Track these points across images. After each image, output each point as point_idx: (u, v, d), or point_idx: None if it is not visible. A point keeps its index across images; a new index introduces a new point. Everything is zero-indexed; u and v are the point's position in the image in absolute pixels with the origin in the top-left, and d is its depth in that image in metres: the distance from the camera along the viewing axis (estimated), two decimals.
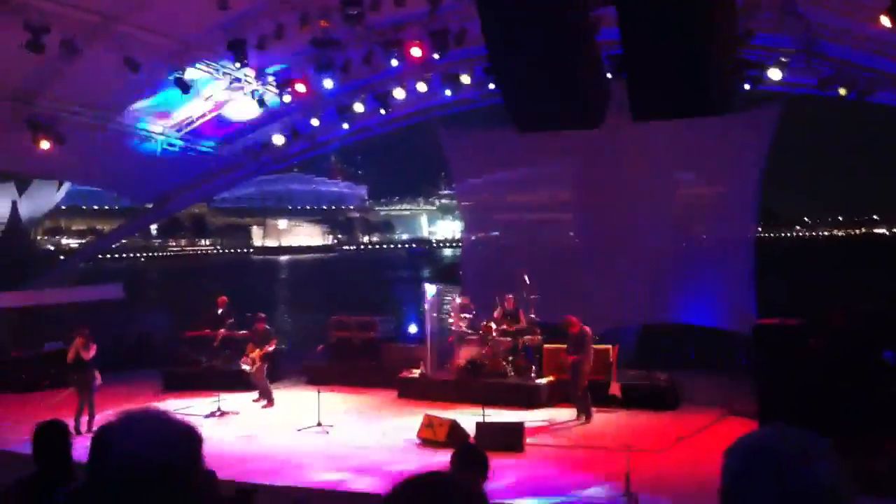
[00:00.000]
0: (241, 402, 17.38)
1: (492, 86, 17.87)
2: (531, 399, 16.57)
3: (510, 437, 13.47)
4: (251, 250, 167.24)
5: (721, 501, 1.70)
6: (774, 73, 17.34)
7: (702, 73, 9.66)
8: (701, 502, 10.64)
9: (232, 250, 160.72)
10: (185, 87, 17.42)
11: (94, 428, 14.64)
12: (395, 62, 17.85)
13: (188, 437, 2.06)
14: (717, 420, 15.03)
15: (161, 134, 20.51)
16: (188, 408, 16.21)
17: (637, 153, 19.58)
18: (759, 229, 22.49)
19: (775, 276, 21.08)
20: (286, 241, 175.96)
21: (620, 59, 11.76)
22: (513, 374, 17.32)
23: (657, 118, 13.10)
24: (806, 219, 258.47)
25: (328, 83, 18.46)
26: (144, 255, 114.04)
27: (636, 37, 10.05)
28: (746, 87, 17.62)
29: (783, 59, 17.28)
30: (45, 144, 17.40)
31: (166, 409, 2.15)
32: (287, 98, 19.27)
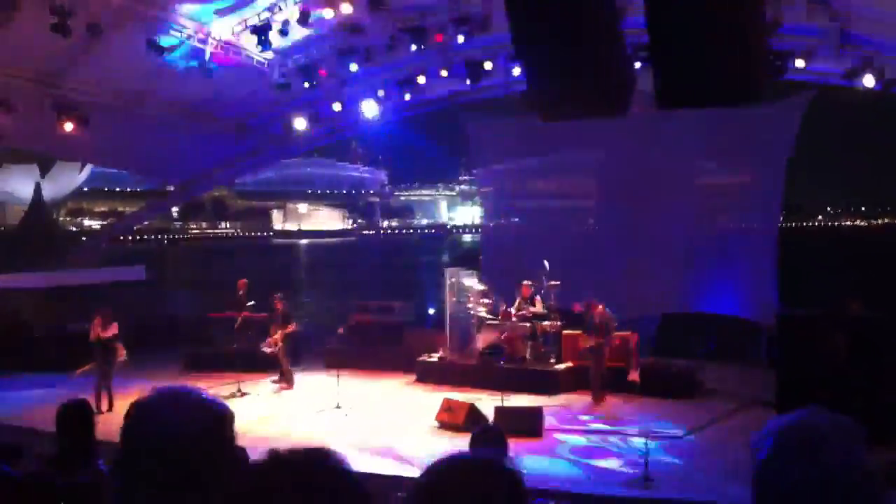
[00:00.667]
0: (261, 383, 17.54)
1: (516, 72, 17.83)
2: (550, 385, 16.61)
3: (529, 422, 13.52)
4: (271, 234, 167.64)
5: (756, 484, 1.72)
6: (801, 63, 17.22)
7: (731, 61, 9.61)
8: (718, 489, 10.68)
9: (252, 233, 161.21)
10: (208, 72, 17.49)
11: (114, 408, 14.83)
12: (416, 48, 17.86)
13: (219, 414, 2.11)
14: (737, 409, 15.02)
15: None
16: (209, 389, 16.36)
17: (661, 142, 19.51)
18: (782, 219, 22.32)
19: (797, 266, 20.96)
20: (306, 225, 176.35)
21: (645, 47, 11.71)
22: (532, 359, 17.37)
23: (682, 107, 13.05)
24: (829, 209, 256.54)
25: (351, 68, 18.48)
26: (168, 237, 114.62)
27: (662, 24, 10.02)
28: (774, 76, 17.49)
29: (810, 49, 17.13)
30: (68, 126, 17.52)
31: (197, 387, 2.20)
32: (308, 84, 19.30)
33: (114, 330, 15.38)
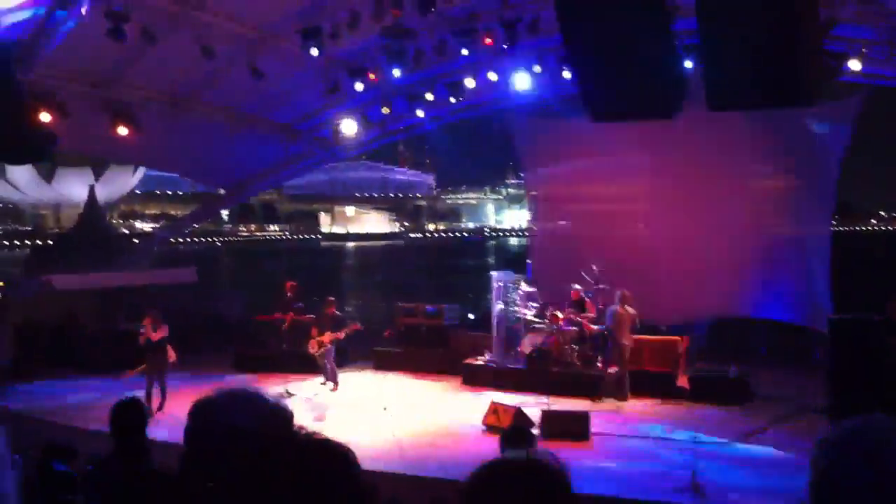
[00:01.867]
0: (308, 385, 17.67)
1: (565, 75, 17.76)
2: (597, 389, 16.51)
3: (576, 427, 13.46)
4: (320, 236, 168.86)
5: (813, 493, 1.69)
6: (855, 65, 16.93)
7: (784, 61, 9.46)
8: (768, 496, 10.53)
9: (301, 236, 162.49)
10: (259, 75, 17.66)
11: (164, 409, 15.03)
12: (466, 51, 17.87)
13: (280, 412, 2.14)
14: (788, 415, 14.80)
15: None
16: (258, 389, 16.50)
17: (712, 144, 19.32)
18: (835, 221, 21.98)
19: (851, 270, 20.61)
20: (354, 228, 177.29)
21: (697, 48, 11.59)
22: (579, 363, 17.29)
23: (733, 109, 12.90)
24: (882, 212, 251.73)
25: (399, 72, 18.54)
26: (220, 239, 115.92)
27: (714, 24, 9.91)
28: (828, 77, 17.21)
29: (864, 50, 16.84)
30: (122, 130, 17.80)
31: (259, 388, 2.23)
32: (359, 86, 19.39)
33: (164, 332, 15.55)
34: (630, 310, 16.34)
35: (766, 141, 19.07)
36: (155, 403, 15.06)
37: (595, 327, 17.27)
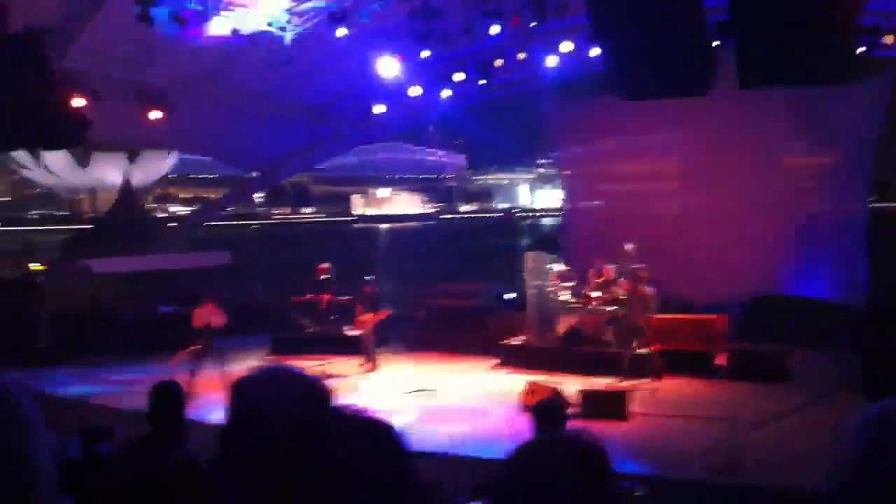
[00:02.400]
0: (346, 366, 17.75)
1: (593, 52, 17.62)
2: (633, 368, 16.43)
3: (613, 406, 13.43)
4: (352, 218, 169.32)
5: (850, 471, 1.67)
6: (889, 39, 16.64)
7: (817, 37, 9.34)
8: (807, 474, 10.45)
9: (333, 218, 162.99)
10: (289, 60, 17.68)
11: (202, 391, 15.18)
12: (496, 29, 17.78)
13: (319, 390, 2.14)
14: (825, 394, 14.65)
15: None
16: None
17: (745, 122, 19.13)
18: (871, 200, 21.69)
19: (889, 248, 20.34)
20: (386, 210, 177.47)
21: (728, 25, 11.45)
22: (615, 342, 17.21)
23: (766, 86, 12.75)
24: None
25: (427, 53, 18.47)
26: (252, 222, 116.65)
27: (747, 1, 9.79)
28: (861, 52, 16.94)
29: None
30: (155, 114, 17.90)
31: (298, 366, 2.24)
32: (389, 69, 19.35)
33: (221, 319, 15.66)
34: (647, 289, 16.21)
35: (800, 117, 18.87)
36: (194, 387, 15.17)
37: (607, 308, 17.13)
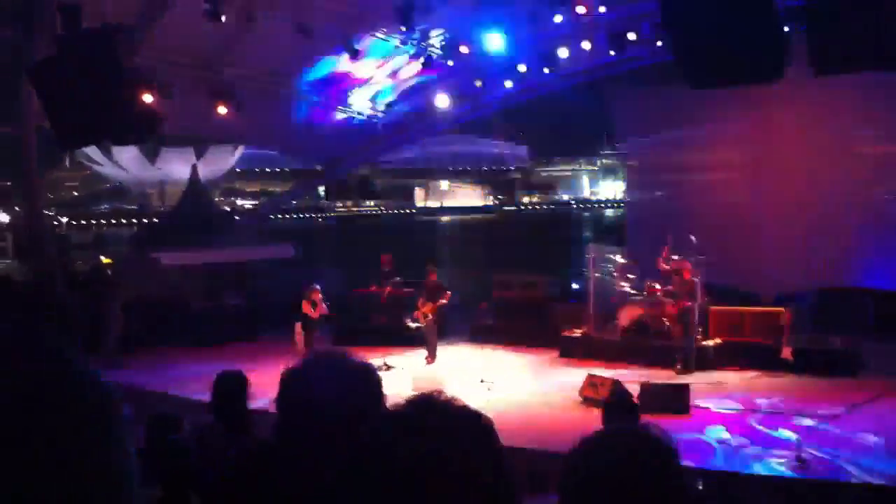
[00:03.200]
0: (406, 357, 17.84)
1: (659, 42, 17.42)
2: (697, 361, 16.25)
3: (675, 400, 13.28)
4: (415, 210, 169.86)
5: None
6: None
7: (890, 22, 9.12)
8: (874, 470, 10.25)
9: (396, 211, 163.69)
10: (355, 53, 17.82)
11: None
12: (559, 19, 17.71)
13: (367, 376, 2.17)
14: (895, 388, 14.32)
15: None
16: None
17: (814, 110, 18.75)
18: None
19: None
20: (448, 202, 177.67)
21: (800, 10, 11.24)
22: (678, 334, 17.02)
23: (838, 73, 12.47)
24: None
25: (492, 43, 18.45)
26: (321, 216, 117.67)
27: None
28: None
29: None
30: (222, 110, 18.17)
31: (346, 352, 2.27)
32: (451, 61, 19.41)
33: (324, 310, 16.63)
34: (694, 280, 16.16)
35: (871, 104, 18.41)
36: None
37: (667, 300, 16.95)
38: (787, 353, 15.84)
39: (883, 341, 16.89)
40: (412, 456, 1.32)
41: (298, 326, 16.72)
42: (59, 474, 0.94)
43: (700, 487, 7.51)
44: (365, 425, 1.44)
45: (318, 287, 16.81)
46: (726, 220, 19.41)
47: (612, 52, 19.16)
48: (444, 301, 17.64)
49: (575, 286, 20.94)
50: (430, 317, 17.61)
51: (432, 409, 1.43)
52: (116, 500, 1.01)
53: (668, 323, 16.89)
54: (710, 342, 16.62)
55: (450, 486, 1.32)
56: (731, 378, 15.56)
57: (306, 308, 16.46)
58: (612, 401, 6.00)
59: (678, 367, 15.84)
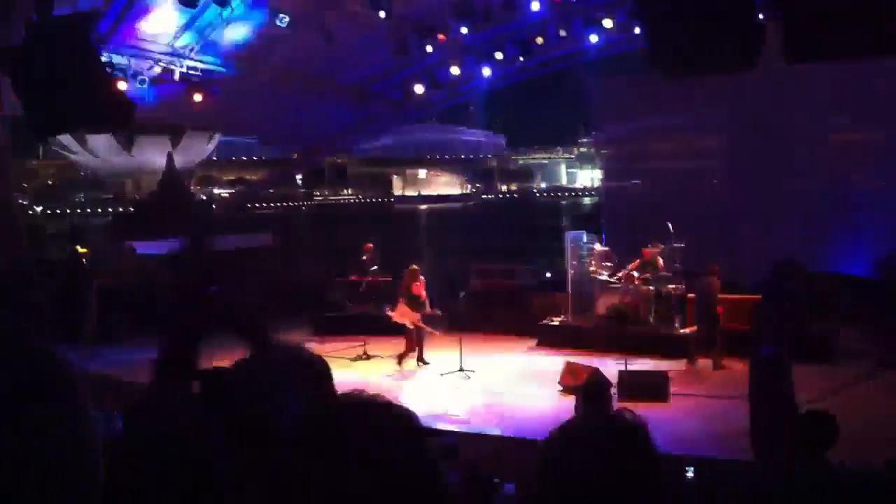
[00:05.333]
0: (386, 346, 17.79)
1: (637, 30, 17.46)
2: (675, 349, 16.34)
3: (654, 388, 13.35)
4: (392, 199, 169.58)
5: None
6: None
7: (865, 9, 9.16)
8: (852, 454, 10.33)
9: (373, 199, 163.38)
10: (330, 37, 17.73)
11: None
12: (536, 6, 17.72)
13: (317, 367, 2.13)
14: (870, 372, 14.48)
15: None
16: (337, 351, 16.73)
17: (789, 97, 18.86)
18: None
19: None
20: (425, 191, 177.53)
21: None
22: (655, 323, 17.12)
23: (812, 60, 12.53)
24: None
25: (462, 31, 18.44)
26: (301, 203, 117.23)
27: None
28: None
29: None
30: (197, 97, 18.03)
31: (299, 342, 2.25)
32: (428, 48, 19.35)
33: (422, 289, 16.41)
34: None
35: (844, 93, 18.54)
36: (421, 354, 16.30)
37: (671, 287, 17.05)
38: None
39: (855, 327, 17.05)
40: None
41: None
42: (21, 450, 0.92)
43: (690, 475, 7.55)
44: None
45: (417, 269, 16.56)
46: (702, 208, 19.52)
47: (588, 40, 19.17)
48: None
49: (553, 275, 20.98)
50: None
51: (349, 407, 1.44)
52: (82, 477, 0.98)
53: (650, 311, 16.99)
54: (688, 330, 16.70)
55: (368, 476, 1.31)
56: (708, 365, 15.64)
57: (416, 290, 16.13)
58: (589, 388, 6.00)
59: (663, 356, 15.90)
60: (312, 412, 1.47)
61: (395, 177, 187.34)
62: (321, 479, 1.31)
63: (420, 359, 16.39)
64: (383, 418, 1.41)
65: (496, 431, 12.07)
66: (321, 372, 2.13)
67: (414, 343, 16.49)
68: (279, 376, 2.05)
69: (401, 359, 16.33)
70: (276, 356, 2.14)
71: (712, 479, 9.83)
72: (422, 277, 16.62)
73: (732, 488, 6.50)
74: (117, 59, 15.90)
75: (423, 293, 16.35)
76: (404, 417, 1.43)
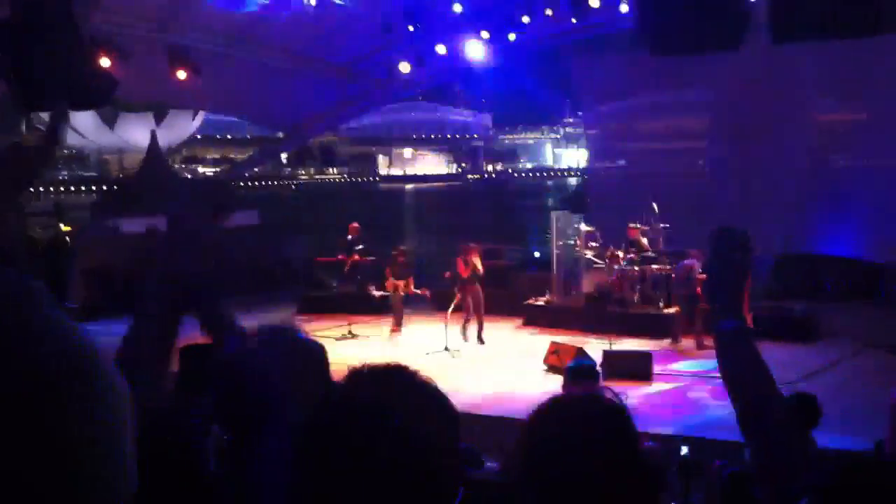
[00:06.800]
0: (370, 326, 17.81)
1: (623, 8, 17.40)
2: (659, 328, 16.40)
3: (638, 366, 13.42)
4: (377, 179, 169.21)
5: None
6: None
7: None
8: (836, 434, 10.41)
9: (359, 179, 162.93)
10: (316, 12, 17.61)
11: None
12: None
13: (313, 351, 2.13)
14: (854, 352, 14.57)
15: None
16: (322, 330, 16.71)
17: (774, 77, 18.86)
18: None
19: None
20: (411, 170, 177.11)
21: None
22: (640, 303, 17.17)
23: (800, 41, 12.55)
24: None
25: (455, 8, 18.35)
26: (289, 182, 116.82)
27: None
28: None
29: None
30: (181, 74, 17.90)
31: (294, 326, 2.23)
32: (412, 26, 19.27)
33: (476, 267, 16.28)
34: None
35: (832, 72, 18.56)
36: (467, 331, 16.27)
37: (655, 267, 17.11)
38: (749, 320, 16.00)
39: (841, 307, 17.15)
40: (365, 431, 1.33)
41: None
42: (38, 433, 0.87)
43: (685, 453, 7.58)
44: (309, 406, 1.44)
45: (475, 246, 16.57)
46: (685, 188, 19.56)
47: (573, 20, 19.11)
48: (416, 292, 17.50)
49: (538, 254, 21.00)
50: (399, 293, 17.31)
51: (379, 381, 1.45)
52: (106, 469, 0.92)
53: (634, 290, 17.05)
54: (671, 310, 16.76)
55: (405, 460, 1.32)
56: (692, 344, 15.70)
57: (460, 267, 16.18)
58: (574, 368, 6.00)
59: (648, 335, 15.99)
60: (317, 397, 1.48)
61: (381, 156, 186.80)
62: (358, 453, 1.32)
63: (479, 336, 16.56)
64: (422, 394, 1.44)
65: (481, 411, 12.09)
66: (320, 359, 2.13)
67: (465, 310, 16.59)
68: (280, 361, 2.05)
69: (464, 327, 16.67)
70: (272, 339, 2.13)
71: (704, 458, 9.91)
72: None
73: (724, 465, 6.53)
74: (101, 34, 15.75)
75: (480, 266, 16.37)
76: (434, 391, 1.47)
